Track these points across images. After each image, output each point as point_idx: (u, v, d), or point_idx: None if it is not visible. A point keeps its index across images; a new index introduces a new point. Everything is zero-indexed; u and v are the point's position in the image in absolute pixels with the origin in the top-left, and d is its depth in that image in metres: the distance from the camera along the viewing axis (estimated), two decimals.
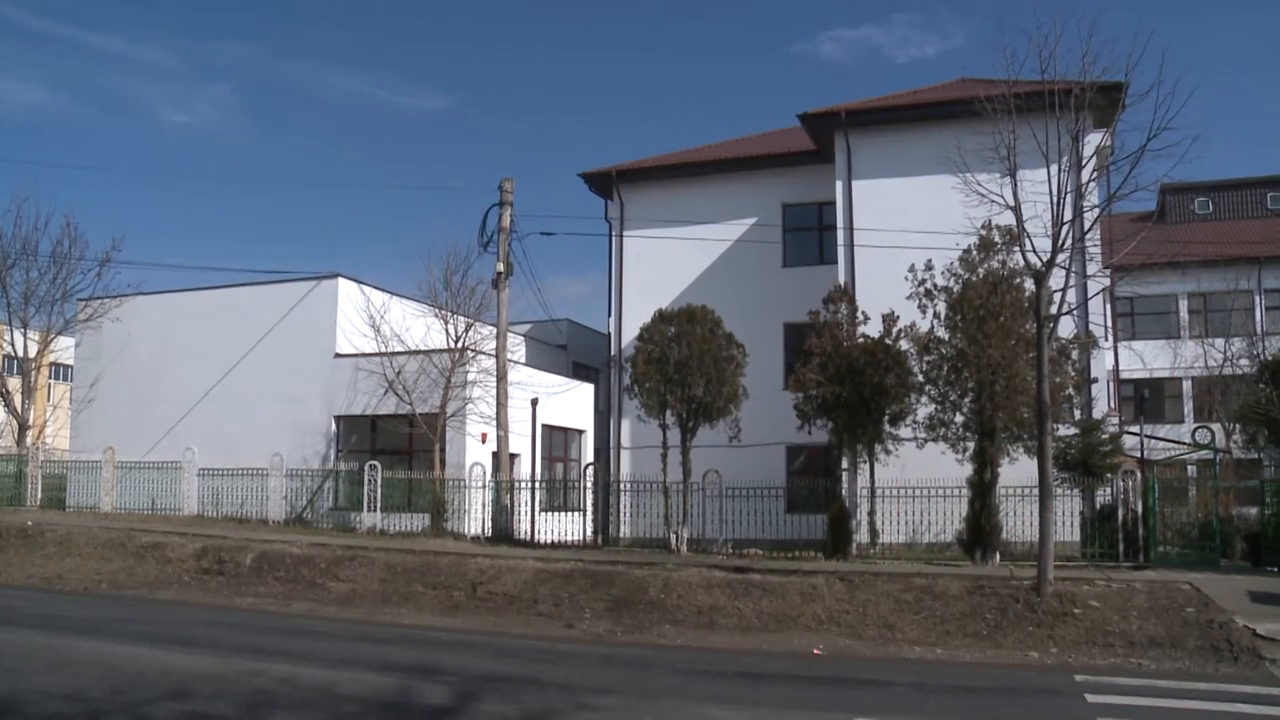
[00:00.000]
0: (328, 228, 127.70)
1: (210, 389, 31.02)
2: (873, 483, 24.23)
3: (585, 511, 27.13)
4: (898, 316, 22.87)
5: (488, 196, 28.43)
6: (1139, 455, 27.77)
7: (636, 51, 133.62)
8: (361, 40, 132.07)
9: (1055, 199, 16.66)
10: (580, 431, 34.04)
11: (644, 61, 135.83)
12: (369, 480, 26.85)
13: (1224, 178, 48.71)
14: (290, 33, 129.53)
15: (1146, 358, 41.80)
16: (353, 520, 27.07)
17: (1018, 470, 21.48)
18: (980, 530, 20.77)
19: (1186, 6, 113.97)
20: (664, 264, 32.80)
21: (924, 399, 22.52)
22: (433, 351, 28.47)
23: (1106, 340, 28.81)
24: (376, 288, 31.28)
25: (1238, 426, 32.89)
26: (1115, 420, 29.66)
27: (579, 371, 37.35)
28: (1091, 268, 23.28)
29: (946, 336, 21.67)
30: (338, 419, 29.98)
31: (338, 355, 29.89)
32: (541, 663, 13.32)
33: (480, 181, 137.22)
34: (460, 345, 28.52)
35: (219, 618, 17.09)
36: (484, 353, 28.67)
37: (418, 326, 29.74)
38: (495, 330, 27.47)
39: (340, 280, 30.55)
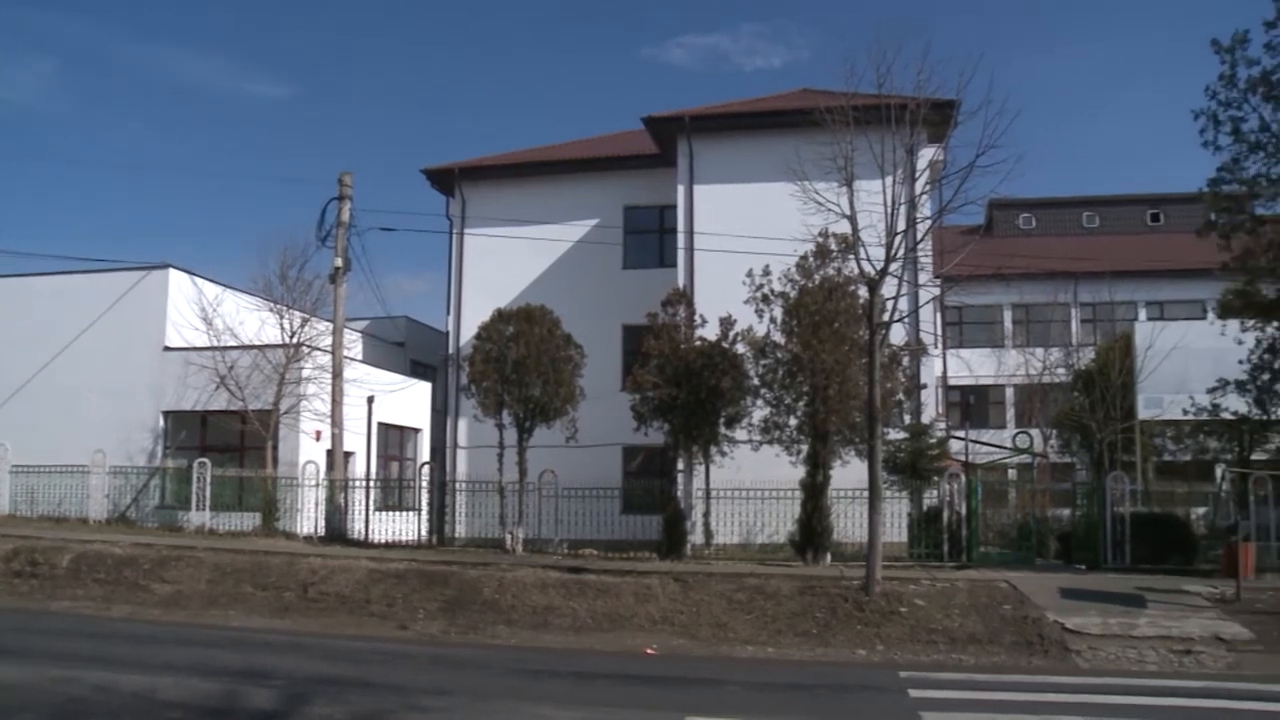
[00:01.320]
0: (159, 216, 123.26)
1: (26, 382, 29.59)
2: (708, 484, 24.52)
3: (421, 511, 26.82)
4: (735, 320, 23.21)
5: (327, 190, 28.02)
6: (964, 459, 28.82)
7: (485, 48, 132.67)
8: (198, 23, 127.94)
9: (889, 210, 17.17)
10: (417, 430, 33.65)
11: (492, 58, 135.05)
12: (198, 478, 26.04)
13: (1046, 196, 50.93)
14: (122, 9, 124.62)
15: (973, 365, 43.33)
16: (180, 519, 26.20)
17: (849, 472, 21.97)
18: (812, 531, 21.18)
19: (1012, 37, 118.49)
20: (504, 263, 32.58)
21: (759, 402, 22.90)
22: (267, 346, 27.88)
23: (936, 348, 29.69)
24: (209, 280, 30.48)
25: (1054, 432, 34.47)
26: (943, 425, 30.65)
27: (417, 370, 36.91)
28: (922, 277, 24.01)
29: (782, 341, 22.08)
30: (166, 414, 29.04)
31: (167, 349, 28.93)
32: (373, 664, 13.11)
33: (320, 174, 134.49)
34: (295, 341, 27.98)
35: (30, 623, 16.30)
36: (320, 349, 28.12)
37: (252, 321, 29.06)
38: (332, 326, 26.98)
39: (171, 271, 29.58)
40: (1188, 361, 24.15)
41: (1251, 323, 22.21)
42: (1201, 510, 25.67)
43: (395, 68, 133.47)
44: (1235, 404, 22.43)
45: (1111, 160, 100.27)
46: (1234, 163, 21.65)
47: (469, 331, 27.14)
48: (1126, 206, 51.68)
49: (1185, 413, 23.81)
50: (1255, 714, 10.72)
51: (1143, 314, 42.26)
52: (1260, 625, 15.33)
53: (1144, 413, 25.87)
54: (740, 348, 22.98)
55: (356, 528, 25.59)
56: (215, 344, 28.25)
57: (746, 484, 23.60)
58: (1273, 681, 12.83)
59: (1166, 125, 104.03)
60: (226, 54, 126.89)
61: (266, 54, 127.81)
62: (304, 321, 28.48)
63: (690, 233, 29.19)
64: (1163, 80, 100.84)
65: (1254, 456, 27.04)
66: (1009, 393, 44.35)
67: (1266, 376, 21.74)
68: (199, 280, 30.02)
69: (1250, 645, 14.58)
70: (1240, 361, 21.98)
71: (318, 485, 25.88)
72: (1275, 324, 21.73)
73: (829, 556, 21.26)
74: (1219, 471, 27.89)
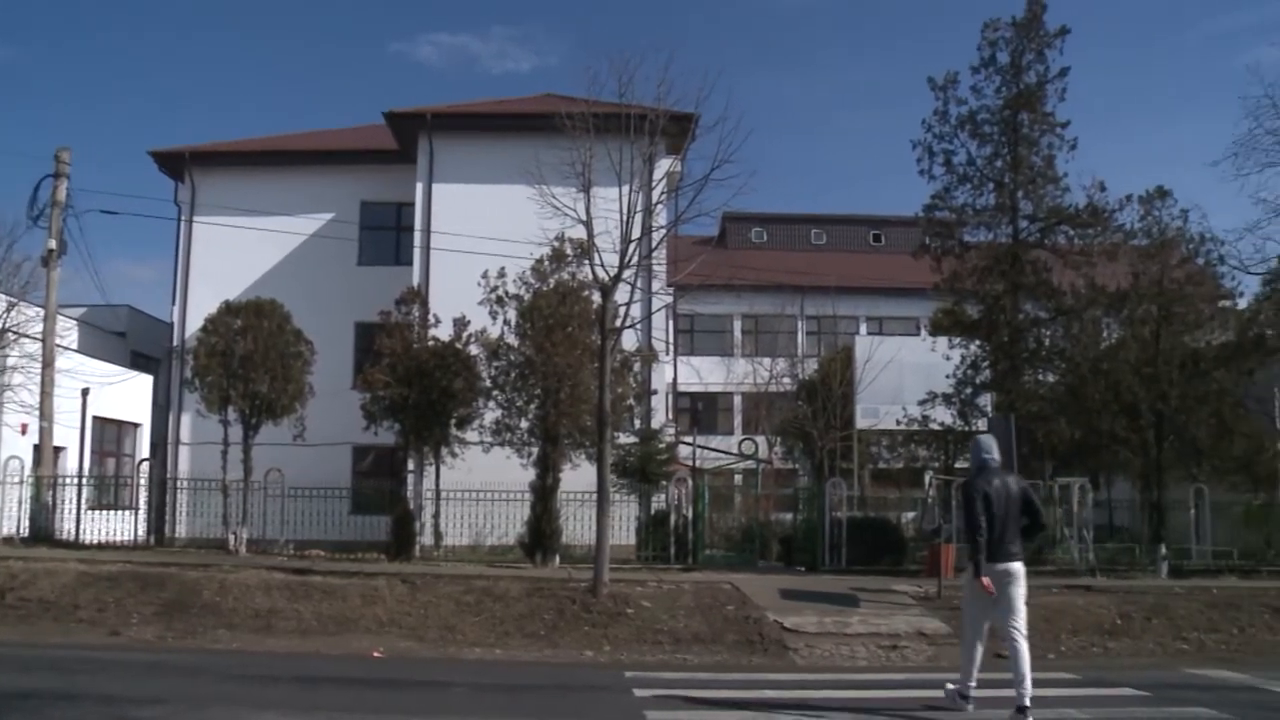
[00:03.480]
0: None
1: None
2: (438, 485, 24.27)
3: (139, 510, 25.51)
4: (469, 321, 23.11)
5: (43, 166, 26.26)
6: (692, 464, 29.54)
7: (225, 30, 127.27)
8: None
9: (625, 217, 17.42)
10: (136, 425, 32.05)
11: (233, 41, 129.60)
12: None
13: (777, 211, 52.64)
14: None
15: (703, 373, 44.35)
16: None
17: (580, 476, 22.14)
18: (541, 533, 21.31)
19: (749, 59, 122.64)
20: (235, 254, 31.47)
21: (491, 404, 22.88)
22: None
23: (667, 354, 30.46)
24: None
25: (779, 439, 35.85)
26: (672, 430, 31.38)
27: (138, 361, 35.10)
28: (656, 285, 24.57)
29: (516, 343, 22.13)
30: None
31: None
32: (80, 674, 12.33)
33: (36, 148, 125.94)
34: (0, 327, 26.14)
35: None
36: (29, 336, 26.29)
37: None
38: (43, 312, 25.40)
39: None
40: (902, 374, 25.71)
41: (958, 340, 23.80)
42: (911, 514, 27.15)
43: (126, 45, 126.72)
44: (942, 415, 23.93)
45: (838, 181, 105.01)
46: (945, 192, 23.29)
47: (195, 323, 26.09)
48: (851, 226, 54.23)
49: (898, 423, 25.30)
50: None
51: (863, 328, 44.41)
52: (956, 620, 16.32)
53: (861, 422, 27.34)
54: (474, 349, 22.90)
55: (66, 528, 24.10)
56: None
57: (477, 485, 23.48)
58: None
59: (888, 150, 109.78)
60: None
61: None
62: (10, 306, 26.58)
63: (427, 231, 29.00)
64: (886, 108, 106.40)
65: (957, 464, 28.87)
66: (737, 400, 45.82)
67: (969, 390, 23.31)
68: None
69: (948, 638, 15.52)
70: (947, 376, 23.47)
71: (22, 482, 24.25)
72: (977, 342, 23.35)
73: (558, 559, 21.40)
74: (927, 478, 29.58)
